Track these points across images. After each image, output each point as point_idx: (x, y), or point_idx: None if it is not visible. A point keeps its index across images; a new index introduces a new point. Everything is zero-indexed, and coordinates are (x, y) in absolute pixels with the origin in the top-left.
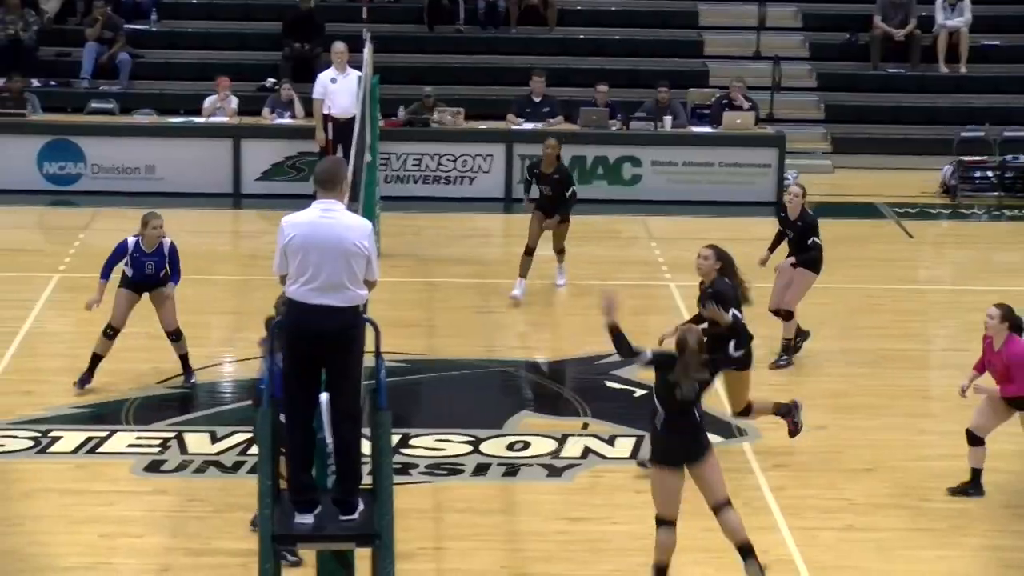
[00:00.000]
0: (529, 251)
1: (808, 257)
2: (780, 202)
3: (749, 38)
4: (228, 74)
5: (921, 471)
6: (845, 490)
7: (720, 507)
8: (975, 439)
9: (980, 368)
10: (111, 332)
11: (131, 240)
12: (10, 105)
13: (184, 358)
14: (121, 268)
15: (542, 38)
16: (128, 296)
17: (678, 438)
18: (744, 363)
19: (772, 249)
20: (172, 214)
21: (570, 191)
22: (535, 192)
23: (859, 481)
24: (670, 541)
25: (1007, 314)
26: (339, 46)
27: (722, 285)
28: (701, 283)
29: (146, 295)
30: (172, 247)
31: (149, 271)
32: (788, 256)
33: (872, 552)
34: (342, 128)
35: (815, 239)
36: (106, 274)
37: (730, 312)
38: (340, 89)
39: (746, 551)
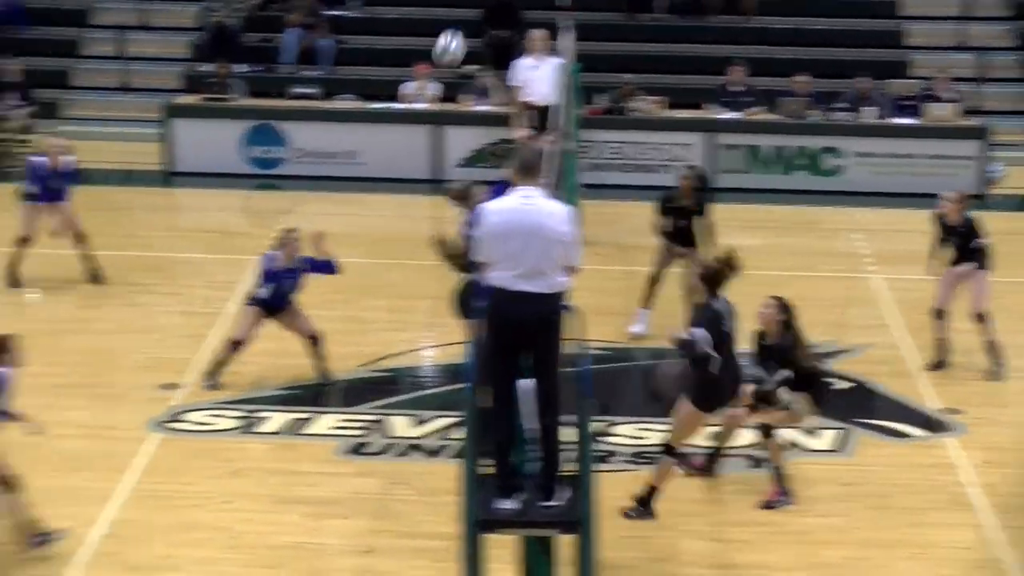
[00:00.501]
0: (653, 281)
1: (979, 258)
2: (939, 211)
3: (953, 27)
4: (429, 60)
5: None
6: None
7: None
8: None
9: None
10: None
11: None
12: (216, 90)
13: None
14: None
15: (741, 27)
16: (257, 315)
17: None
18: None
19: (935, 255)
20: (372, 199)
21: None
22: (667, 224)
23: None
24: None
25: None
26: (536, 33)
27: (786, 341)
28: (761, 334)
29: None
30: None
31: (288, 288)
32: (956, 263)
33: None
34: (541, 115)
35: (978, 240)
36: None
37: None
38: (538, 76)
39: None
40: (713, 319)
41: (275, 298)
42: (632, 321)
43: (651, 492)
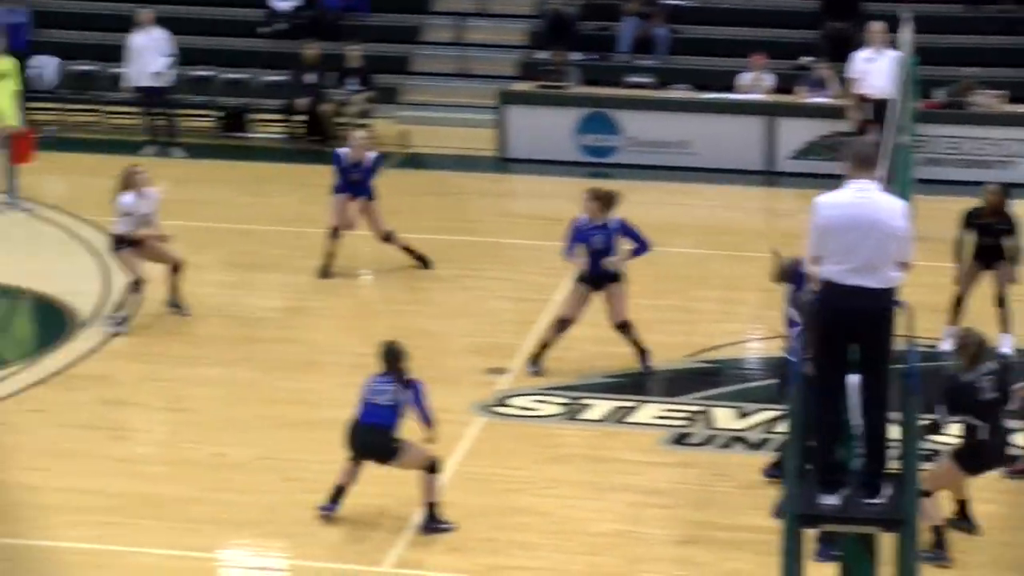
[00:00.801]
0: (958, 301)
1: None
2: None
3: None
4: (765, 51)
5: None
6: None
7: None
8: None
9: None
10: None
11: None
12: (552, 78)
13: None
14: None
15: None
16: (583, 293)
17: None
18: None
19: None
20: (704, 189)
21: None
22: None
23: None
24: None
25: None
26: (876, 26)
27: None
28: None
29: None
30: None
31: (597, 245)
32: None
33: None
34: (878, 108)
35: None
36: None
37: None
38: (876, 69)
39: None
40: (959, 390)
41: (593, 266)
42: (943, 338)
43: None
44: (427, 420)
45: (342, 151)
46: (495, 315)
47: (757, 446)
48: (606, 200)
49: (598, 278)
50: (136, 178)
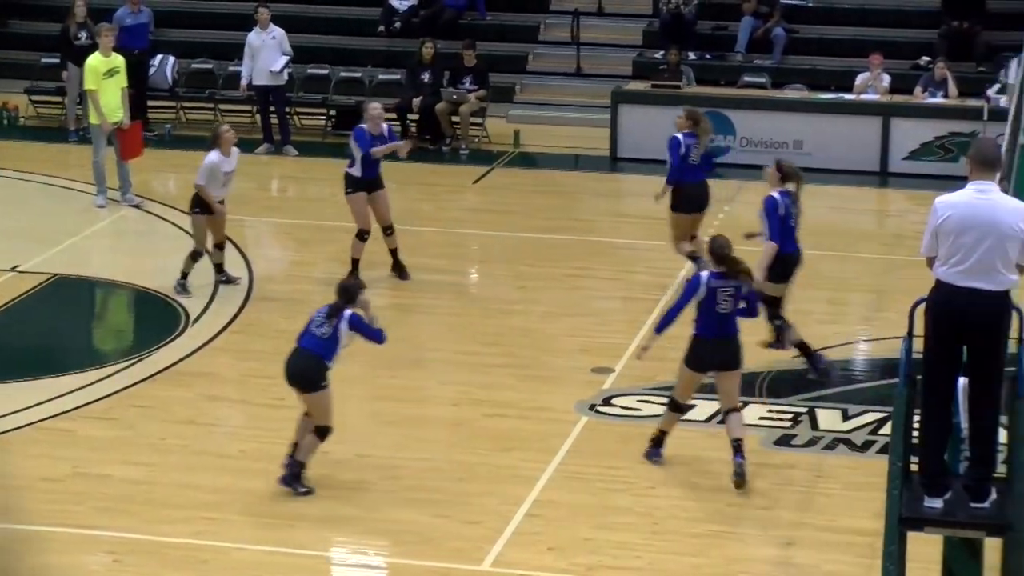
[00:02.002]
0: None
1: None
2: None
3: None
4: (882, 51)
5: None
6: None
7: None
8: None
9: None
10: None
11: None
12: (666, 77)
13: None
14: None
15: None
16: None
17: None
18: None
19: None
20: (818, 190)
21: None
22: None
23: None
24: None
25: None
26: None
27: None
28: None
29: None
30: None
31: None
32: None
33: None
34: None
35: None
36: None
37: None
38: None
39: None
40: None
41: None
42: None
43: None
44: (374, 337)
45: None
46: (604, 315)
47: (861, 448)
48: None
49: None
50: (225, 136)
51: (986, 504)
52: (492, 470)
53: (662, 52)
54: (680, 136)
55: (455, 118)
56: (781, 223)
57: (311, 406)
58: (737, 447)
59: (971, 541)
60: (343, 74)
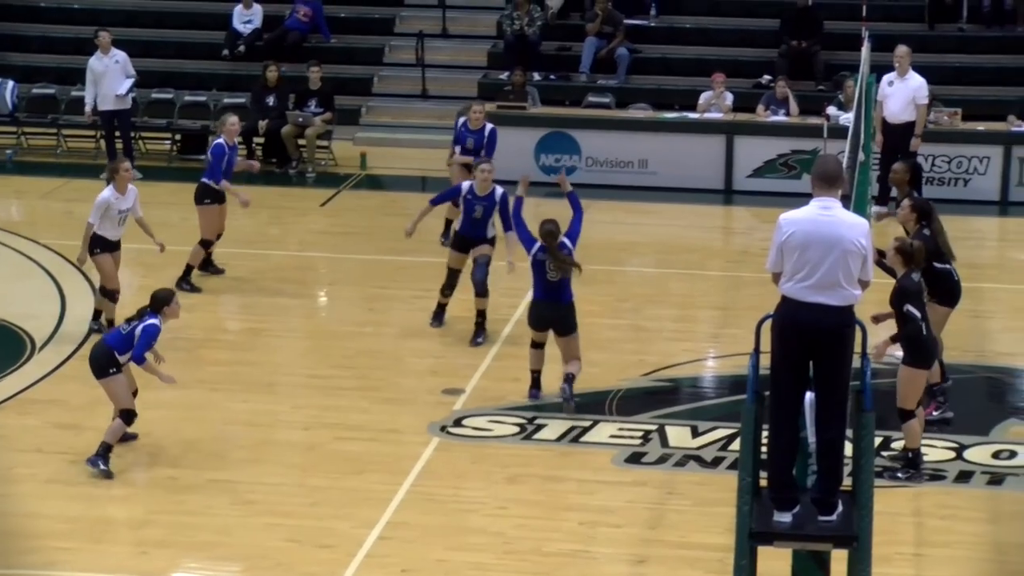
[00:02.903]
0: None
1: None
2: None
3: None
4: (725, 70)
5: None
6: None
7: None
8: None
9: None
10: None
11: (465, 185)
12: (512, 98)
13: None
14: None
15: None
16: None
17: None
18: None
19: None
20: (662, 208)
21: None
22: None
23: None
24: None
25: None
26: (901, 49)
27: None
28: None
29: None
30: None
31: (477, 215)
32: None
33: None
34: (892, 132)
35: None
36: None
37: None
38: (895, 92)
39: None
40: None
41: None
42: None
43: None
44: (136, 352)
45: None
46: (453, 336)
47: (711, 464)
48: None
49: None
50: (122, 174)
51: (833, 517)
52: (344, 493)
53: (507, 73)
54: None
55: (301, 141)
56: None
57: (105, 392)
58: (568, 379)
59: (819, 553)
60: (188, 98)
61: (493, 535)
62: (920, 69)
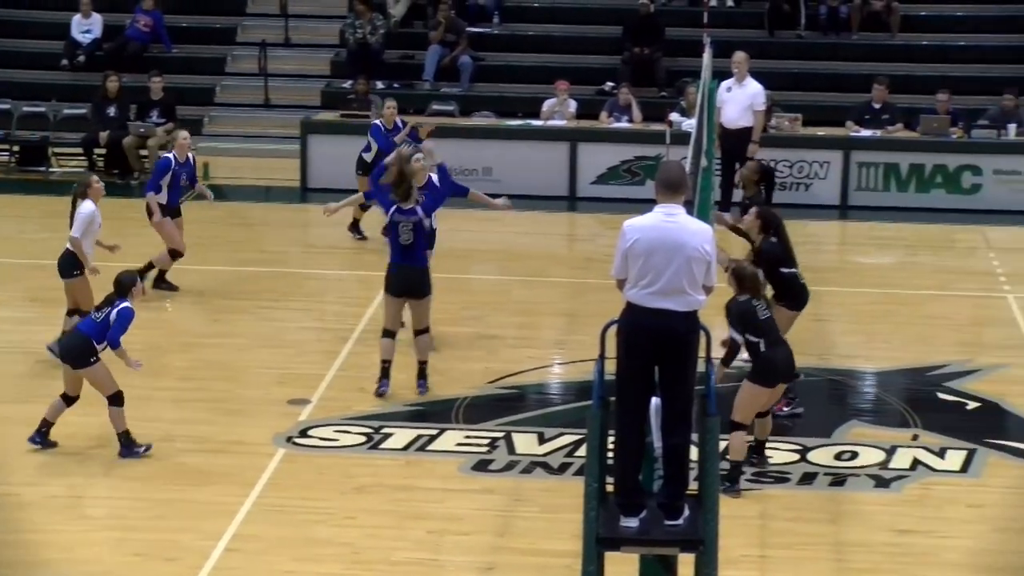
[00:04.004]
0: None
1: None
2: None
3: None
4: (568, 77)
5: None
6: None
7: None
8: None
9: None
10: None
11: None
12: (355, 107)
13: None
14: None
15: (884, 44)
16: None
17: None
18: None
19: None
20: (507, 216)
21: None
22: None
23: None
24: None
25: None
26: (739, 56)
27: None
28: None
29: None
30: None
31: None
32: None
33: None
34: (729, 137)
35: None
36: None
37: None
38: (732, 98)
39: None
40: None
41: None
42: None
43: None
44: (113, 335)
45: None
46: (298, 346)
47: (558, 470)
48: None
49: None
50: (95, 186)
51: (680, 521)
52: (190, 506)
53: (350, 82)
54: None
55: (143, 152)
56: None
57: (90, 382)
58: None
59: (666, 557)
60: (26, 109)
61: (341, 545)
62: (761, 75)
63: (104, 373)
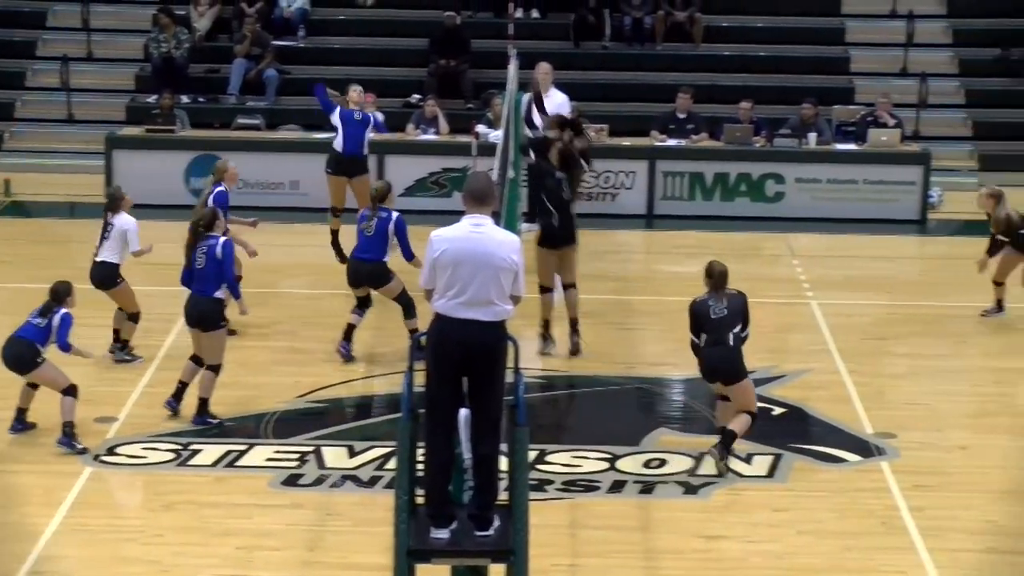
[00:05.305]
0: None
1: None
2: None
3: (897, 55)
4: (374, 90)
5: None
6: (988, 511)
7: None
8: None
9: None
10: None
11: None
12: (160, 121)
13: None
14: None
15: (688, 55)
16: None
17: None
18: None
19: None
20: (315, 229)
21: None
22: None
23: (1003, 502)
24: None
25: None
26: (542, 67)
27: None
28: None
29: None
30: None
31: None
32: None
33: (1017, 575)
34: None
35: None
36: None
37: None
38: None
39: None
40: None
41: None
42: None
43: None
44: (61, 337)
45: None
46: (104, 363)
47: (368, 484)
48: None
49: None
50: (127, 198)
51: (490, 532)
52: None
53: (155, 96)
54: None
55: None
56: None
57: (39, 381)
58: (179, 392)
59: (477, 568)
60: None
61: (149, 563)
62: (566, 86)
63: (53, 369)
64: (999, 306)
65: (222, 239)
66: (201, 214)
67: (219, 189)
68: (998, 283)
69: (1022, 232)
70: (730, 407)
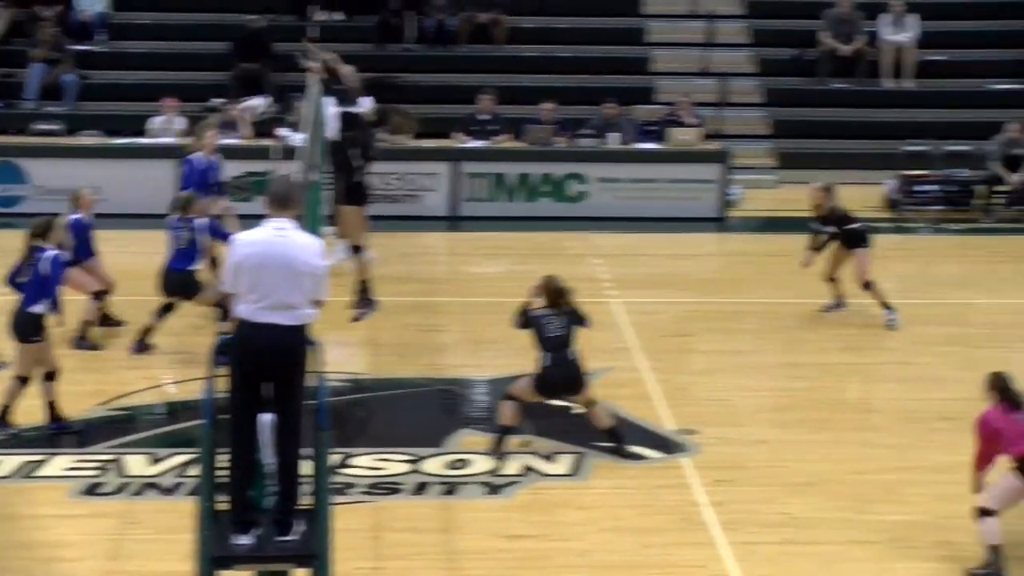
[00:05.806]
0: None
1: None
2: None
3: (697, 55)
4: (176, 94)
5: (864, 484)
6: (786, 504)
7: None
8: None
9: None
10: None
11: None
12: None
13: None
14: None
15: (491, 56)
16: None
17: None
18: None
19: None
20: (118, 235)
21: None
22: None
23: (801, 495)
24: None
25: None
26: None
27: None
28: None
29: None
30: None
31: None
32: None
33: (813, 565)
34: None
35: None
36: None
37: None
38: (336, 112)
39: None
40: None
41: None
42: None
43: None
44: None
45: None
46: None
47: (170, 491)
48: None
49: None
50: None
51: (292, 536)
52: None
53: None
54: None
55: None
56: None
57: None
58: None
59: (281, 573)
60: None
61: None
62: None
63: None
64: (839, 302)
65: (52, 253)
66: (36, 222)
67: (74, 217)
68: (832, 279)
69: (850, 228)
70: (513, 405)
